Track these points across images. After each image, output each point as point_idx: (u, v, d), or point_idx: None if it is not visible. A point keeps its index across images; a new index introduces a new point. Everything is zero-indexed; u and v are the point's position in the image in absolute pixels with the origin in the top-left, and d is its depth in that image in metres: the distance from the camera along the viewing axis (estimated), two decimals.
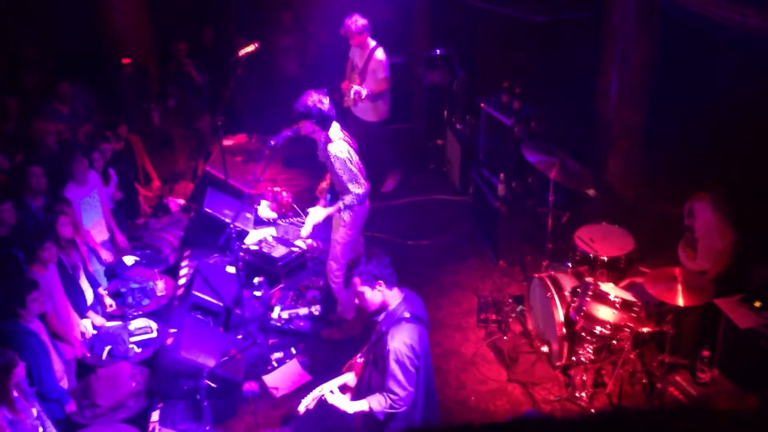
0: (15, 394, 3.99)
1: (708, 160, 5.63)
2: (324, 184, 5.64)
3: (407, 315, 3.74)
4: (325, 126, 5.21)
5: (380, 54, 7.24)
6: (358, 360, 4.02)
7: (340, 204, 5.26)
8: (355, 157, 5.30)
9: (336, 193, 5.39)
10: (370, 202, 5.56)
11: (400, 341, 3.64)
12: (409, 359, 3.64)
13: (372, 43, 7.25)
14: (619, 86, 6.54)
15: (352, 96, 7.23)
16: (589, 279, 5.09)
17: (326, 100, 5.21)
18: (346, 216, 5.35)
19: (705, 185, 5.14)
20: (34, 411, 4.11)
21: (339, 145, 5.20)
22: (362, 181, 5.28)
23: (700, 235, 5.11)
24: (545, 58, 7.21)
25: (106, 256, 6.10)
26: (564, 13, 7.24)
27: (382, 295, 3.79)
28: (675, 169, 5.97)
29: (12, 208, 5.37)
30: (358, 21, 7.10)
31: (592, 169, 6.22)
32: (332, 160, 5.18)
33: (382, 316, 3.83)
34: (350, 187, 5.21)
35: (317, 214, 5.35)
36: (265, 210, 7.14)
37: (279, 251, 6.34)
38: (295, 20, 9.45)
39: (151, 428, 4.59)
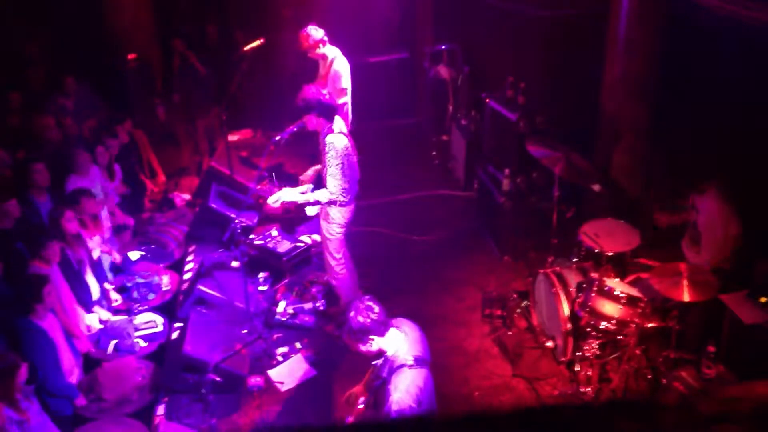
0: (18, 395, 4.01)
1: (713, 154, 5.62)
2: (310, 171, 5.59)
3: (410, 361, 3.48)
4: (330, 117, 5.21)
5: (338, 64, 6.80)
6: (360, 406, 3.82)
7: (310, 197, 5.26)
8: (347, 158, 5.22)
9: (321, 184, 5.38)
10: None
11: (404, 391, 3.39)
12: (410, 410, 3.37)
13: (333, 52, 6.84)
14: (624, 80, 6.51)
15: None
16: (594, 274, 5.08)
17: (326, 91, 5.21)
18: (312, 210, 5.33)
19: (708, 177, 5.12)
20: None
21: (338, 138, 5.19)
22: (343, 181, 5.16)
23: (704, 227, 5.09)
24: (550, 52, 7.19)
25: (117, 257, 6.11)
26: (569, 7, 7.21)
27: (377, 344, 3.55)
28: (680, 163, 5.96)
29: (17, 203, 5.39)
30: (311, 35, 6.72)
31: (597, 164, 6.21)
32: (327, 148, 5.16)
33: (380, 361, 3.59)
34: (329, 181, 5.18)
35: (288, 193, 5.40)
36: (271, 205, 7.12)
37: (284, 246, 6.34)
38: (297, 15, 9.43)
39: (156, 422, 4.60)
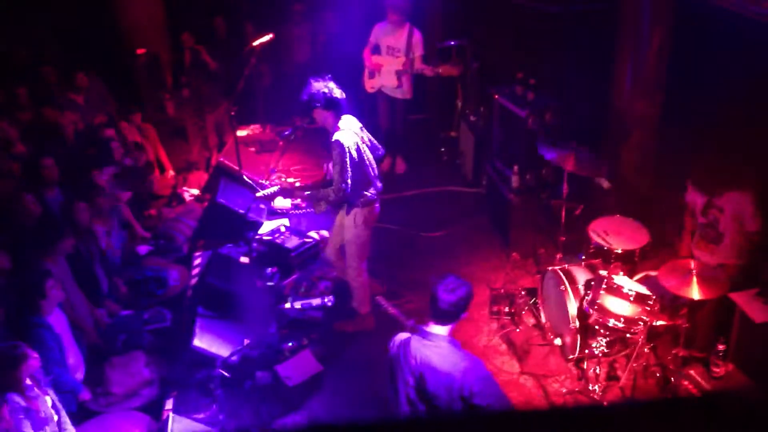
0: (28, 382, 4.03)
1: (723, 151, 5.57)
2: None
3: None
4: (338, 112, 5.08)
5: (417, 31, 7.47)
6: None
7: (317, 193, 5.15)
8: (357, 156, 5.08)
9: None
10: (383, 193, 5.52)
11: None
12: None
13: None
14: (634, 77, 6.47)
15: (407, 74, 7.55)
16: (602, 272, 5.06)
17: (332, 85, 5.08)
18: (318, 208, 5.22)
19: (735, 178, 4.99)
20: (49, 400, 4.14)
21: (345, 135, 5.04)
22: (351, 179, 5.04)
23: (727, 227, 4.96)
24: (559, 48, 7.16)
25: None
26: (578, 3, 7.17)
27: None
28: (689, 161, 5.92)
29: (35, 199, 5.43)
30: None
31: (606, 161, 6.16)
32: (333, 146, 5.02)
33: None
34: (335, 179, 5.03)
35: (284, 190, 5.36)
36: (279, 201, 7.14)
37: (292, 242, 6.35)
38: (307, 10, 9.42)
39: (164, 416, 4.62)
